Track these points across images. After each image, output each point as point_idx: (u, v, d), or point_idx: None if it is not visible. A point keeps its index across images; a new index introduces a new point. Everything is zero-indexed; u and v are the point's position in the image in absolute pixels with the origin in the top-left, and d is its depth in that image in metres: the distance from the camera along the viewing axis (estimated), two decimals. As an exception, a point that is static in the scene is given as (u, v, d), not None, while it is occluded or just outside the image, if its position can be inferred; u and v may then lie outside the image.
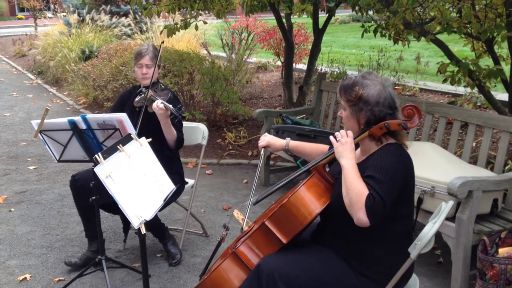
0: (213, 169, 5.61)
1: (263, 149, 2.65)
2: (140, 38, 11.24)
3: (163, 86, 3.66)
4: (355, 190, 2.05)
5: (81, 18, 12.11)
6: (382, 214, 2.04)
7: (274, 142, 2.65)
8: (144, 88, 3.57)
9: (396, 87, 7.39)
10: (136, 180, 2.52)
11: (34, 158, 6.13)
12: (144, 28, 11.86)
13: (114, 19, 12.14)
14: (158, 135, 3.39)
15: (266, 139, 2.65)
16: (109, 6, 12.58)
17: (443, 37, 4.34)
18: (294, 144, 2.68)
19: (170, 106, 3.29)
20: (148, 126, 3.40)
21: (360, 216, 2.02)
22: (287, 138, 2.71)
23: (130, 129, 3.03)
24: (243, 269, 2.22)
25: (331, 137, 2.25)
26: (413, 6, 3.80)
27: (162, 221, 3.67)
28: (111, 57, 8.40)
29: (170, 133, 3.45)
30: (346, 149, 2.17)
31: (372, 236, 2.16)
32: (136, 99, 3.55)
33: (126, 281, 3.40)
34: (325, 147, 2.60)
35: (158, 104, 3.28)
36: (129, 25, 11.97)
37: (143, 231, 2.43)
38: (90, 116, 3.07)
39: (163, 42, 3.66)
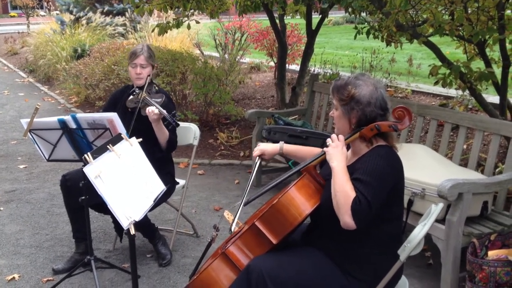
0: (205, 170, 5.60)
1: (257, 158, 2.63)
2: (133, 37, 11.19)
3: (157, 88, 3.59)
4: (343, 192, 2.06)
5: (74, 16, 12.05)
6: (368, 218, 2.05)
7: (267, 149, 2.64)
8: (137, 89, 3.51)
9: (389, 89, 7.42)
10: (125, 180, 2.50)
11: (24, 157, 6.09)
12: (138, 27, 11.81)
13: (107, 18, 12.08)
14: (150, 136, 3.36)
15: (259, 147, 2.64)
16: (102, 6, 12.51)
17: (435, 39, 4.36)
18: (288, 148, 2.68)
19: (165, 112, 3.23)
20: (140, 127, 3.36)
21: (346, 219, 2.03)
22: (280, 142, 2.69)
23: (121, 128, 3.01)
24: (233, 269, 2.21)
25: (328, 140, 2.25)
26: (405, 8, 3.81)
27: (152, 221, 3.65)
28: (103, 56, 8.36)
29: (162, 133, 3.40)
30: (337, 152, 2.18)
31: (362, 238, 2.17)
32: (129, 99, 3.50)
33: (115, 281, 3.38)
34: (319, 151, 2.59)
35: (153, 110, 3.23)
36: (124, 24, 11.91)
37: (133, 231, 2.41)
38: (80, 115, 3.05)
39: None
